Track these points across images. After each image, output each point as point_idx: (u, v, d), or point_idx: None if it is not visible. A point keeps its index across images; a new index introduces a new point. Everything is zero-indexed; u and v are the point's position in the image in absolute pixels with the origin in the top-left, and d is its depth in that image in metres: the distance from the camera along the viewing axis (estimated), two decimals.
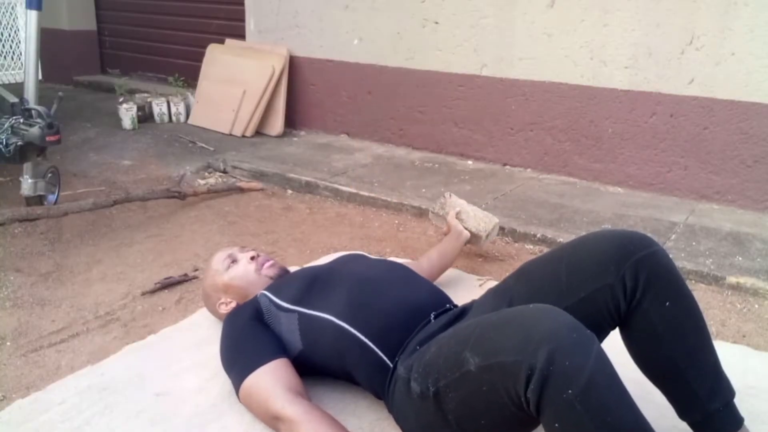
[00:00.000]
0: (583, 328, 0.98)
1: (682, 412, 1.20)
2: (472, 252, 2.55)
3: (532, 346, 0.95)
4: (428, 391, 1.12)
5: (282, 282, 1.52)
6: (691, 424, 1.19)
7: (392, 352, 1.30)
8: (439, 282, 1.98)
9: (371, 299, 1.36)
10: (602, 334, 1.22)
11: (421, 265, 1.91)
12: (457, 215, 2.07)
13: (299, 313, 1.39)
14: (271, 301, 1.44)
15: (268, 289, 1.49)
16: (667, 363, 1.18)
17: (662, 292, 1.17)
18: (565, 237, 2.55)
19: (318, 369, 1.42)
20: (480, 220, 2.05)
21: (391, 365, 1.29)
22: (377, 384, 1.32)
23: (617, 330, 1.25)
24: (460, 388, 1.06)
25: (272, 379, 1.30)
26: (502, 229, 2.71)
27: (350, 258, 1.64)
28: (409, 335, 1.32)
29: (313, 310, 1.38)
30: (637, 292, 1.17)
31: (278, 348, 1.38)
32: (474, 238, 2.05)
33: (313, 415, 1.22)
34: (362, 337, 1.31)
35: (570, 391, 0.91)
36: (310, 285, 1.44)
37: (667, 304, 1.17)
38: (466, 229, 2.04)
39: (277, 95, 4.32)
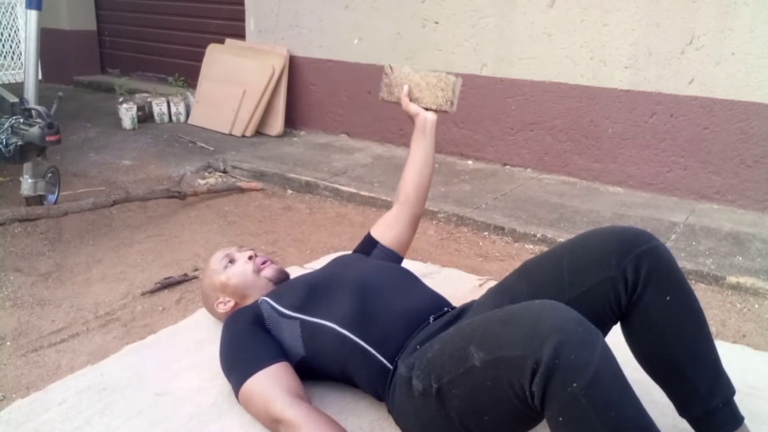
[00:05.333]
0: (589, 323, 0.98)
1: (683, 409, 1.20)
2: (472, 252, 2.55)
3: (537, 340, 0.95)
4: (431, 388, 1.12)
5: (283, 288, 1.52)
6: (691, 422, 1.19)
7: (392, 356, 1.30)
8: (439, 282, 1.98)
9: (372, 306, 1.37)
10: (604, 329, 1.22)
11: (399, 215, 1.70)
12: (410, 95, 1.66)
13: (301, 320, 1.39)
14: (272, 307, 1.44)
15: (269, 295, 1.49)
16: (668, 358, 1.18)
17: (663, 286, 1.17)
18: (565, 237, 2.55)
19: (319, 374, 1.42)
20: (435, 88, 1.64)
21: (392, 367, 1.29)
22: (378, 386, 1.32)
23: (618, 329, 1.25)
24: (464, 383, 1.06)
25: (272, 382, 1.30)
26: (501, 228, 2.71)
27: (350, 261, 1.64)
28: (408, 339, 1.33)
29: (315, 317, 1.38)
30: (638, 285, 1.17)
31: (278, 352, 1.38)
32: (439, 113, 1.68)
33: (314, 417, 1.22)
34: (363, 344, 1.31)
35: (575, 385, 0.92)
36: (311, 291, 1.44)
37: (668, 298, 1.17)
38: (426, 109, 1.65)
39: (277, 95, 4.32)
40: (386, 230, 1.70)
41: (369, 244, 1.70)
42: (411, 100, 1.67)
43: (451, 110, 1.66)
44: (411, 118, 1.68)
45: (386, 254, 1.68)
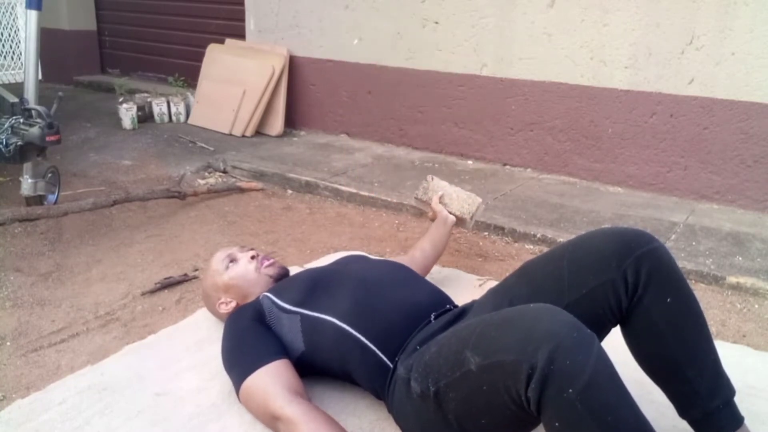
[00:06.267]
0: (584, 327, 0.98)
1: (683, 410, 1.20)
2: (472, 252, 2.55)
3: (532, 346, 0.95)
4: (428, 391, 1.12)
5: (284, 284, 1.53)
6: (692, 423, 1.19)
7: (392, 353, 1.30)
8: (439, 282, 1.98)
9: (372, 301, 1.37)
10: (603, 332, 1.23)
11: (414, 257, 1.90)
12: (441, 199, 2.02)
13: (301, 314, 1.39)
14: (273, 302, 1.45)
15: (271, 291, 1.49)
16: (668, 360, 1.18)
17: (663, 288, 1.17)
18: (565, 237, 2.55)
19: (319, 370, 1.42)
20: (463, 201, 2.01)
21: (391, 366, 1.29)
22: (377, 384, 1.32)
23: (618, 330, 1.25)
24: (460, 387, 1.06)
25: (272, 379, 1.30)
26: (501, 228, 2.71)
27: (351, 259, 1.65)
28: (409, 336, 1.32)
29: (315, 311, 1.38)
30: (639, 287, 1.17)
31: (279, 349, 1.38)
32: (459, 221, 2.02)
33: (313, 416, 1.23)
34: (363, 339, 1.31)
35: (570, 391, 0.92)
36: (312, 287, 1.44)
37: (668, 300, 1.17)
38: (450, 213, 2.00)
39: (277, 95, 4.32)
40: (400, 260, 1.81)
41: None
42: (440, 203, 2.01)
43: (470, 222, 2.01)
44: (433, 214, 2.01)
45: None
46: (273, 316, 1.43)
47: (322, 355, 1.38)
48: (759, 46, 2.82)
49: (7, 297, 2.06)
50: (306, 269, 1.63)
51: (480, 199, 2.00)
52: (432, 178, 2.07)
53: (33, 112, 2.55)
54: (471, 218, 2.00)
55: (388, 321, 1.34)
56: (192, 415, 1.38)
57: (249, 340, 1.40)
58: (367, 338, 1.31)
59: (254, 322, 1.43)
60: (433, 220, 2.04)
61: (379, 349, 1.30)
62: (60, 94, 2.72)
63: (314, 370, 1.42)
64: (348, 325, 1.33)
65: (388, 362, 1.29)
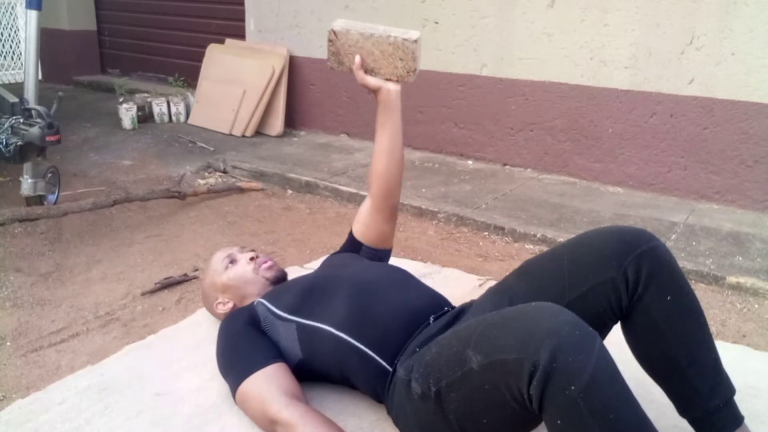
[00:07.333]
0: (586, 325, 0.98)
1: (683, 410, 1.20)
2: (472, 252, 2.55)
3: (534, 344, 0.95)
4: (429, 391, 1.11)
5: (279, 290, 1.51)
6: (692, 422, 1.19)
7: (391, 357, 1.29)
8: (439, 282, 1.98)
9: (369, 307, 1.36)
10: (604, 330, 1.22)
11: (376, 209, 1.67)
12: (364, 66, 1.44)
13: (297, 323, 1.38)
14: (268, 309, 1.43)
15: (266, 297, 1.48)
16: (668, 359, 1.18)
17: (664, 286, 1.17)
18: (565, 237, 2.55)
19: (317, 376, 1.42)
20: (393, 57, 1.39)
21: (391, 369, 1.29)
22: (377, 388, 1.32)
23: (619, 330, 1.25)
24: (461, 387, 1.06)
25: (269, 383, 1.29)
26: (501, 228, 2.71)
27: (345, 261, 1.63)
28: (408, 339, 1.32)
29: (311, 320, 1.37)
30: (639, 286, 1.17)
31: (275, 353, 1.37)
32: (401, 81, 1.45)
33: (310, 418, 1.22)
34: (361, 346, 1.30)
35: (573, 388, 0.92)
36: (307, 294, 1.43)
37: (669, 298, 1.17)
38: (384, 79, 1.44)
39: (277, 95, 4.32)
40: (366, 230, 1.69)
41: (355, 245, 1.69)
42: (366, 71, 1.48)
43: (413, 79, 1.44)
44: (370, 92, 1.50)
45: (374, 253, 1.67)
46: (268, 323, 1.42)
47: (320, 362, 1.37)
48: (759, 46, 2.82)
49: (7, 297, 2.06)
50: (300, 275, 1.61)
51: (411, 42, 1.36)
52: (335, 34, 1.44)
53: (33, 112, 2.55)
54: (414, 72, 1.41)
55: (385, 326, 1.33)
56: (192, 415, 1.38)
57: (244, 343, 1.39)
58: (364, 345, 1.30)
59: (249, 327, 1.42)
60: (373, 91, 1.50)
61: (377, 354, 1.29)
62: (60, 94, 2.72)
63: (312, 376, 1.41)
64: (345, 333, 1.32)
65: (388, 366, 1.29)
